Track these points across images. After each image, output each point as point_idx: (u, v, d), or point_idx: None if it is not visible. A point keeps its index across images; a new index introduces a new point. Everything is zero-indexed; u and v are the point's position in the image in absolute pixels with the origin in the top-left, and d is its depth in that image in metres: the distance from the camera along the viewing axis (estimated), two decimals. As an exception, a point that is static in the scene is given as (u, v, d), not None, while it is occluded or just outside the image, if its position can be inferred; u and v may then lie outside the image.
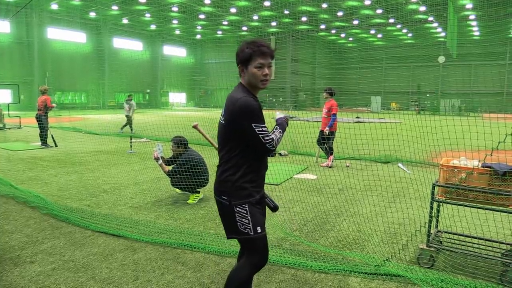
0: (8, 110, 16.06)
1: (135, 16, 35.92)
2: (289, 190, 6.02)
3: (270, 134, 2.10)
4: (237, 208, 2.09)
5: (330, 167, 8.07)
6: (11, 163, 8.06)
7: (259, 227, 2.11)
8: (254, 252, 2.16)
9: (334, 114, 8.04)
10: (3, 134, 13.76)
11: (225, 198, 2.12)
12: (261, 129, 2.03)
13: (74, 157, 8.94)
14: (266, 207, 2.39)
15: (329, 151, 8.17)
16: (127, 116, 14.48)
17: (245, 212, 2.09)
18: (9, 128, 15.58)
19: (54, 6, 31.70)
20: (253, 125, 2.01)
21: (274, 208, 2.34)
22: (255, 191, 2.15)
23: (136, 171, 7.37)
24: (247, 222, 2.08)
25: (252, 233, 2.09)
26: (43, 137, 10.49)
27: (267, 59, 2.06)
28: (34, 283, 2.96)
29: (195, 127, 3.58)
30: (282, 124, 2.24)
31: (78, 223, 4.25)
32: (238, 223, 2.11)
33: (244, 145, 2.10)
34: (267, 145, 2.04)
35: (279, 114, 2.30)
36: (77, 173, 7.14)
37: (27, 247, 3.65)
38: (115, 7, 32.48)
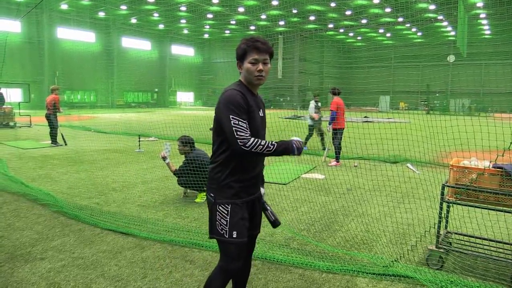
0: (19, 109, 16.28)
1: (143, 15, 36.18)
2: (296, 189, 6.00)
3: (248, 133, 1.92)
4: (220, 207, 2.04)
5: (330, 164, 8.11)
6: (22, 161, 8.18)
7: (235, 232, 2.02)
8: (225, 257, 2.09)
9: (332, 111, 8.06)
10: (14, 132, 13.96)
11: (212, 195, 2.09)
12: (237, 123, 1.91)
13: (84, 155, 9.04)
14: (265, 217, 2.28)
15: (336, 150, 8.16)
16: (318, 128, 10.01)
17: (226, 212, 2.02)
18: (20, 127, 15.81)
19: (64, 6, 32.10)
20: (230, 116, 1.91)
21: (274, 223, 2.22)
22: (243, 192, 2.07)
23: (145, 170, 7.42)
24: (225, 223, 2.02)
25: (227, 236, 2.02)
26: (53, 136, 10.62)
27: (262, 54, 2.01)
28: (45, 280, 3.01)
29: None
30: (286, 143, 1.98)
31: (88, 221, 4.29)
32: (217, 222, 2.05)
33: None
34: (238, 141, 1.89)
35: (296, 138, 2.11)
36: (86, 171, 7.21)
37: (37, 244, 3.70)
38: (123, 7, 32.75)
